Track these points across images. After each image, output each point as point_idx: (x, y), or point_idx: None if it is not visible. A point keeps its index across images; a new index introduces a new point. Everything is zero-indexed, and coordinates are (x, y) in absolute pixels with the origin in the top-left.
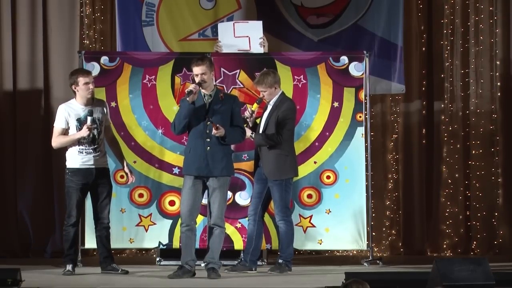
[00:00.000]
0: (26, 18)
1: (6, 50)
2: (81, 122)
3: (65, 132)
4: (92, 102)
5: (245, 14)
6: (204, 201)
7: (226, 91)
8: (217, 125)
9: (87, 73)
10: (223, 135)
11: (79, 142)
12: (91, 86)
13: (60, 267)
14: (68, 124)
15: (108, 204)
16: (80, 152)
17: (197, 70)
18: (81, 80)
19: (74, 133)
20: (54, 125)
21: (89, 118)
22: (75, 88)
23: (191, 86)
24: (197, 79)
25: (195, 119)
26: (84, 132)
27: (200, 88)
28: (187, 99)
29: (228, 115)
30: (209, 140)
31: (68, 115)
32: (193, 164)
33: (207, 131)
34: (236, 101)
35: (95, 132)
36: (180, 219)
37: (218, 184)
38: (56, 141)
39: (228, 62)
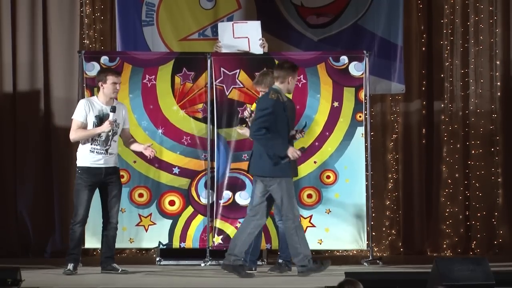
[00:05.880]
0: (26, 18)
1: (6, 50)
2: (100, 119)
3: (83, 126)
4: (112, 103)
5: (245, 14)
6: (204, 200)
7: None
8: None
9: (118, 74)
10: None
11: (92, 140)
12: (118, 87)
13: (60, 267)
14: (86, 119)
15: (117, 203)
16: (92, 151)
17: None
18: (110, 78)
19: (95, 128)
20: (73, 117)
21: (111, 114)
22: (101, 85)
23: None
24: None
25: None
26: (106, 127)
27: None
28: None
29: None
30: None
31: (89, 110)
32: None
33: None
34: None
35: (116, 128)
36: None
37: None
38: (76, 134)
39: (228, 62)
